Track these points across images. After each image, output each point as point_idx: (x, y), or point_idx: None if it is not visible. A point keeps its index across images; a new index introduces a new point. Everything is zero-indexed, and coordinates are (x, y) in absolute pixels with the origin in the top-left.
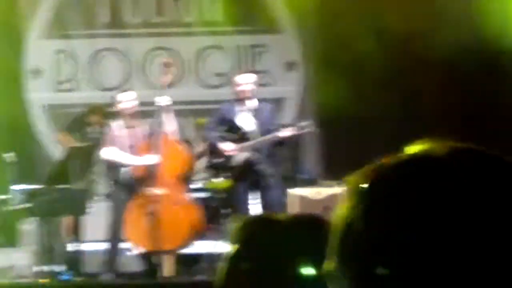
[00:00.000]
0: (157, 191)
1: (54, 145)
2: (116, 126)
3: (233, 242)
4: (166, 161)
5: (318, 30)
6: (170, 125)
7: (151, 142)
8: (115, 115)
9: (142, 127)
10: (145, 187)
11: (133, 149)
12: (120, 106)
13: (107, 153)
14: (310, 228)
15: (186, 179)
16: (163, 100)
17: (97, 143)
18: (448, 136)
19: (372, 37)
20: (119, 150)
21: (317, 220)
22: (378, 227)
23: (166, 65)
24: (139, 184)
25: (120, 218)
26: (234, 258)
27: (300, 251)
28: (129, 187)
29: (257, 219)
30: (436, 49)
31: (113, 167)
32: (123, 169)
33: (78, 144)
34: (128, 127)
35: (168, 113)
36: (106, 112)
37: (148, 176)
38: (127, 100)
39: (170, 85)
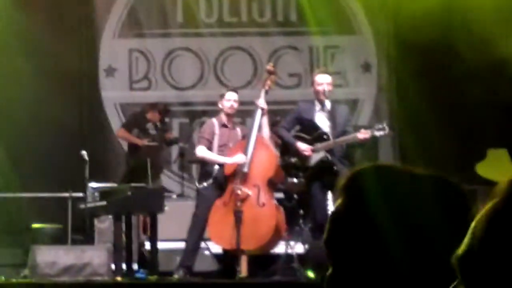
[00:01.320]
0: (246, 190)
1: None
2: (216, 123)
3: (344, 192)
4: (259, 163)
5: (393, 32)
6: (266, 128)
7: (245, 142)
8: (218, 112)
9: (238, 128)
10: (235, 186)
11: (227, 148)
12: (222, 105)
13: (201, 151)
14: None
15: (275, 183)
16: (262, 102)
17: (160, 141)
18: None
19: (447, 41)
20: (213, 148)
21: (459, 188)
22: None
23: (268, 71)
24: (229, 183)
25: (206, 216)
26: (344, 212)
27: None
28: (220, 185)
29: (380, 167)
30: None
31: (206, 164)
32: (216, 167)
33: (149, 143)
34: (225, 126)
35: (265, 116)
36: (164, 110)
37: (239, 174)
38: (233, 99)
39: (269, 91)
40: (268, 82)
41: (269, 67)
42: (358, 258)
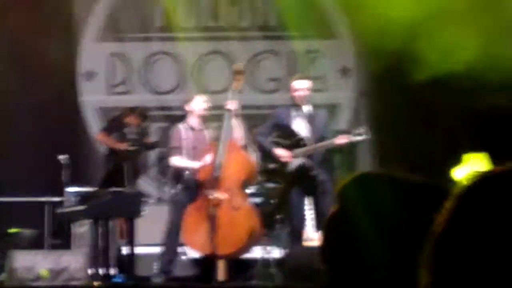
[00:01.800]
0: (218, 195)
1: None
2: (183, 128)
3: (340, 199)
4: (231, 166)
5: (373, 36)
6: (237, 130)
7: (217, 146)
8: (185, 116)
9: (207, 131)
10: (207, 191)
11: (197, 151)
12: (190, 108)
13: (175, 161)
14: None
15: (248, 185)
16: (232, 104)
17: (139, 145)
18: None
19: (427, 43)
20: (184, 155)
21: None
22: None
23: (237, 72)
24: (202, 188)
25: (180, 221)
26: (338, 218)
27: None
28: (192, 190)
29: (374, 174)
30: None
31: (178, 170)
32: (187, 173)
33: (129, 148)
34: (194, 129)
35: (236, 117)
36: (143, 114)
37: (211, 179)
38: (199, 103)
39: (239, 92)
40: (236, 83)
41: (236, 66)
42: (349, 263)
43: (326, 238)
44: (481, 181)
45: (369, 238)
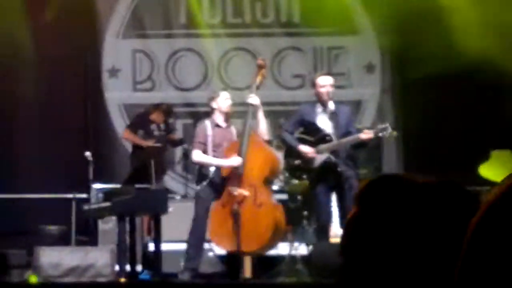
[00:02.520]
0: (242, 191)
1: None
2: (208, 125)
3: (360, 201)
4: (254, 162)
5: (396, 32)
6: (261, 125)
7: (240, 142)
8: (210, 113)
9: (233, 127)
10: (231, 187)
11: (222, 149)
12: (215, 104)
13: (197, 156)
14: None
15: (272, 181)
16: (254, 100)
17: (164, 142)
18: None
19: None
20: (209, 152)
21: (465, 191)
22: None
23: (259, 66)
24: (226, 184)
25: (205, 218)
26: (358, 220)
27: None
28: (217, 187)
29: (395, 177)
30: None
31: (203, 166)
32: (212, 169)
33: (154, 144)
34: (220, 126)
35: (260, 113)
36: (168, 110)
37: (235, 176)
38: (224, 100)
39: (260, 86)
40: (259, 77)
41: (260, 61)
42: (370, 265)
43: (346, 240)
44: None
45: (388, 241)
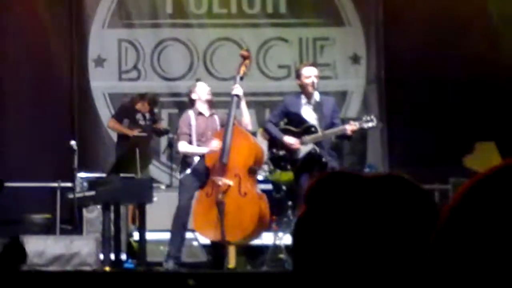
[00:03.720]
0: (226, 181)
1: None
2: (191, 115)
3: (308, 200)
4: (238, 152)
5: (382, 23)
6: (245, 115)
7: (224, 132)
8: (190, 103)
9: (216, 115)
10: (215, 177)
11: (207, 137)
12: (195, 95)
13: (182, 146)
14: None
15: (256, 170)
16: (238, 90)
17: (149, 131)
18: None
19: (436, 31)
20: (194, 141)
21: (410, 183)
22: None
23: (243, 56)
24: (211, 174)
25: (188, 207)
26: (308, 219)
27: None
28: (201, 175)
29: (340, 174)
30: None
31: (187, 156)
32: (196, 158)
33: (139, 134)
34: (203, 115)
35: (244, 103)
36: (153, 100)
37: (219, 165)
38: (202, 89)
39: (244, 77)
40: (243, 68)
41: (243, 51)
42: (320, 264)
43: (295, 239)
44: (483, 180)
45: (337, 239)
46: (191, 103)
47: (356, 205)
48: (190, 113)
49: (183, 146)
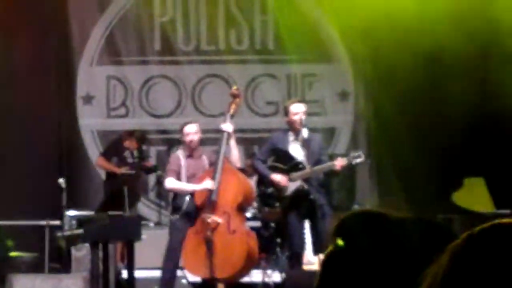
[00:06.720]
0: (215, 218)
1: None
2: (180, 155)
3: (334, 239)
4: (227, 189)
5: (368, 59)
6: (234, 153)
7: (213, 170)
8: (181, 144)
9: (205, 156)
10: (204, 214)
11: (195, 179)
12: (186, 138)
13: (170, 182)
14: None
15: (245, 208)
16: (228, 127)
17: (138, 169)
18: None
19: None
20: (181, 180)
21: (439, 226)
22: None
23: (233, 95)
24: (200, 211)
25: (179, 246)
26: (334, 257)
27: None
28: (191, 216)
29: (366, 214)
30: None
31: (177, 195)
32: (187, 198)
33: (127, 172)
34: (190, 156)
35: (233, 140)
36: (142, 137)
37: (208, 203)
38: (192, 132)
39: (234, 115)
40: (233, 106)
41: (233, 90)
42: None
43: (322, 279)
44: (484, 231)
45: (364, 279)
46: (181, 143)
47: (382, 246)
48: (179, 154)
49: (170, 183)
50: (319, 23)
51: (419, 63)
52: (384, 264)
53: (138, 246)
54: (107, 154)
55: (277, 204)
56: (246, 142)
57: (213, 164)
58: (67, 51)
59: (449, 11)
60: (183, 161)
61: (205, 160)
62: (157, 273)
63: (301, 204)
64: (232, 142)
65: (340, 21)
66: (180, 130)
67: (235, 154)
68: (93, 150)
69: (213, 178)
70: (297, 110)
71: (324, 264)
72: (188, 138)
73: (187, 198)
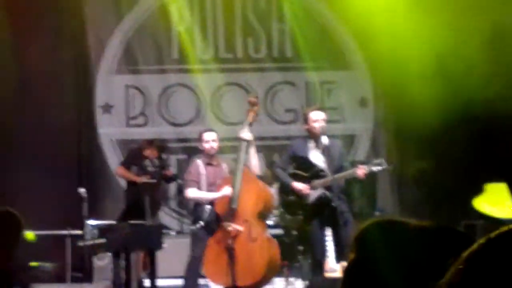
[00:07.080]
0: (236, 226)
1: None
2: (200, 164)
3: (355, 247)
4: (248, 197)
5: (388, 68)
6: (253, 160)
7: (231, 178)
8: (199, 152)
9: (224, 165)
10: (225, 223)
11: (214, 187)
12: (205, 145)
13: (191, 193)
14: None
15: (266, 215)
16: (247, 135)
17: (158, 178)
18: None
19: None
20: (201, 189)
21: (460, 233)
22: None
23: (251, 103)
24: (220, 220)
25: (201, 255)
26: (356, 265)
27: (434, 262)
28: (213, 226)
29: (386, 222)
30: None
31: (197, 206)
32: (207, 207)
33: (148, 180)
34: (210, 164)
35: (253, 148)
36: (161, 146)
37: (229, 211)
38: (211, 139)
39: (252, 123)
40: (251, 114)
41: (251, 98)
42: None
43: (346, 285)
44: (501, 237)
45: (388, 285)
46: (200, 151)
47: (403, 253)
48: (199, 162)
49: (192, 193)
50: (335, 30)
51: (440, 70)
52: (405, 272)
53: (160, 255)
54: (127, 163)
55: (299, 212)
56: (266, 149)
57: (231, 172)
58: (85, 60)
59: None
60: (203, 169)
61: (224, 168)
62: (179, 282)
63: (323, 211)
64: (252, 150)
65: (357, 28)
66: (199, 137)
67: (254, 162)
68: (113, 159)
69: (232, 185)
70: (317, 117)
71: (346, 271)
72: (207, 145)
73: (208, 207)
